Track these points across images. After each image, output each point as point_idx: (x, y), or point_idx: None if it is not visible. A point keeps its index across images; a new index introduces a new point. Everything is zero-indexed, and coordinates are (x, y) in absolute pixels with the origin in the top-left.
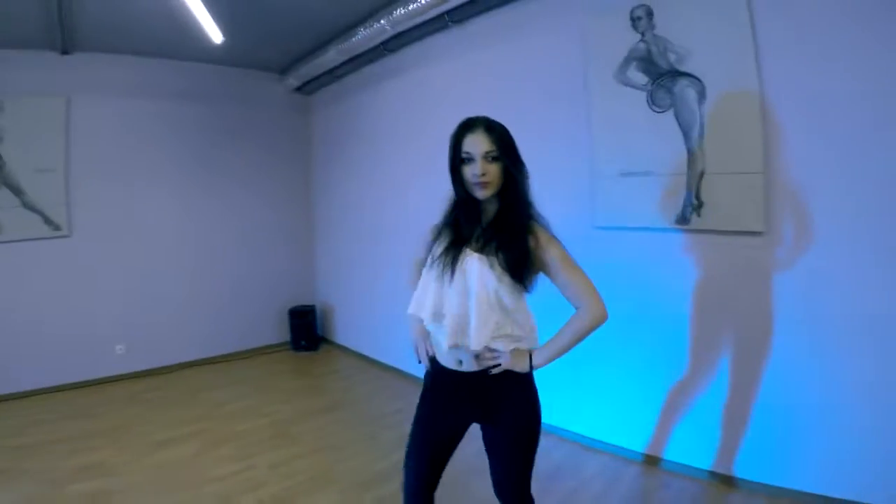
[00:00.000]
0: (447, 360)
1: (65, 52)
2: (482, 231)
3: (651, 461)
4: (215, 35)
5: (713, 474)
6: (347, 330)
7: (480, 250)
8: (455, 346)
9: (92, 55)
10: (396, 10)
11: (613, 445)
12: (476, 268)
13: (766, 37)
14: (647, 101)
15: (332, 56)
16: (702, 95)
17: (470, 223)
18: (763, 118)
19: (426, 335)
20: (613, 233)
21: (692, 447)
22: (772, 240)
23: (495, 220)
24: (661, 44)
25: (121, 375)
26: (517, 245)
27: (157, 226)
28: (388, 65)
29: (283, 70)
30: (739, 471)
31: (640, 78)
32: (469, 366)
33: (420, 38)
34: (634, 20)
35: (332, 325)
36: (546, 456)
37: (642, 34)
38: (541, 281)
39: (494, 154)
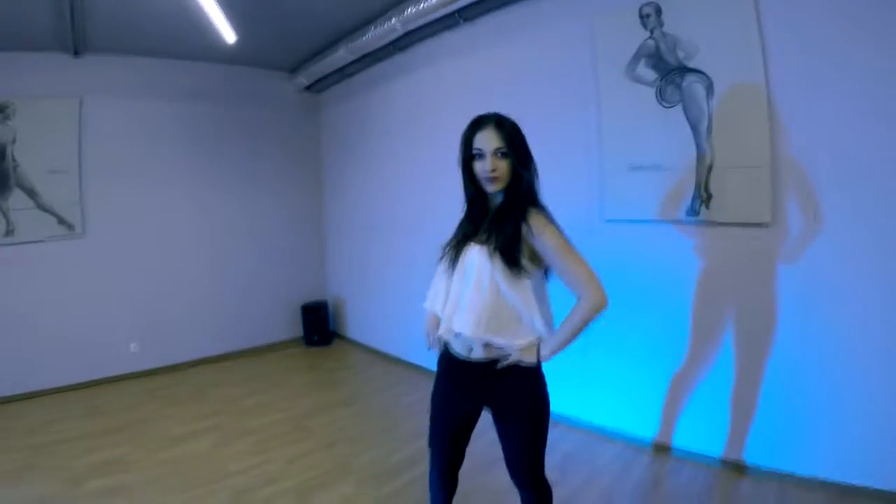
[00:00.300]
0: (459, 348)
1: (76, 53)
2: (488, 223)
3: (662, 449)
4: (228, 35)
5: (723, 461)
6: (359, 325)
7: (483, 241)
8: (457, 334)
9: (103, 56)
10: (408, 8)
11: (625, 434)
12: (474, 255)
13: (773, 33)
14: (657, 96)
15: (343, 55)
16: (710, 91)
17: (478, 217)
18: (769, 113)
19: (438, 323)
20: (623, 225)
21: (702, 435)
22: (778, 231)
23: (500, 212)
24: (669, 41)
25: (135, 373)
26: (508, 227)
27: (169, 224)
28: (397, 63)
29: (293, 69)
30: (749, 457)
31: (650, 74)
32: (478, 354)
33: (430, 35)
34: (643, 18)
35: (345, 320)
36: (558, 445)
37: (651, 31)
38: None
39: (504, 150)
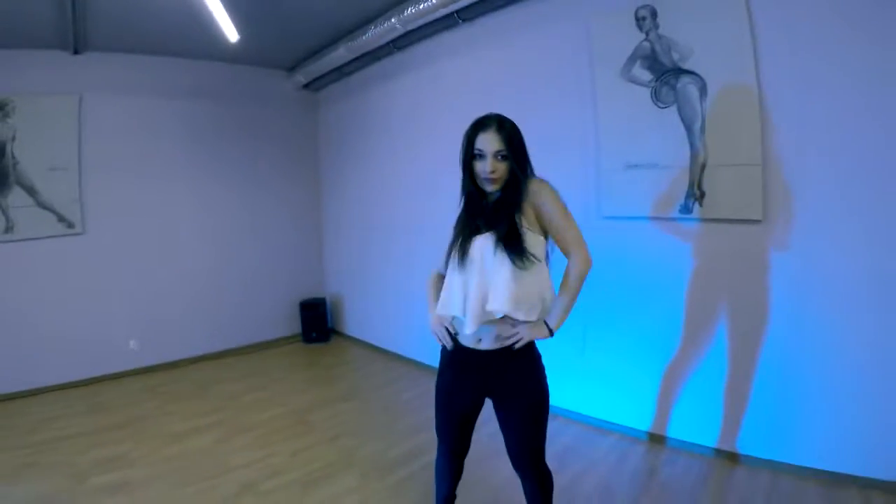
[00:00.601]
0: (467, 340)
1: (76, 51)
2: (486, 218)
3: (657, 440)
4: (231, 34)
5: (717, 451)
6: (357, 321)
7: (487, 230)
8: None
9: (102, 54)
10: (408, 8)
11: (621, 426)
12: (483, 245)
13: (765, 36)
14: (652, 97)
15: (342, 53)
16: (703, 92)
17: (477, 214)
18: (761, 113)
19: (444, 319)
20: (620, 222)
21: (697, 426)
22: (769, 227)
23: (497, 205)
24: (664, 43)
25: (135, 370)
26: (511, 221)
27: (169, 222)
28: (396, 62)
29: (292, 67)
30: (743, 447)
31: (645, 75)
32: (487, 344)
33: (429, 35)
34: (639, 20)
35: (343, 317)
36: (556, 437)
37: (647, 33)
38: None
39: (504, 153)
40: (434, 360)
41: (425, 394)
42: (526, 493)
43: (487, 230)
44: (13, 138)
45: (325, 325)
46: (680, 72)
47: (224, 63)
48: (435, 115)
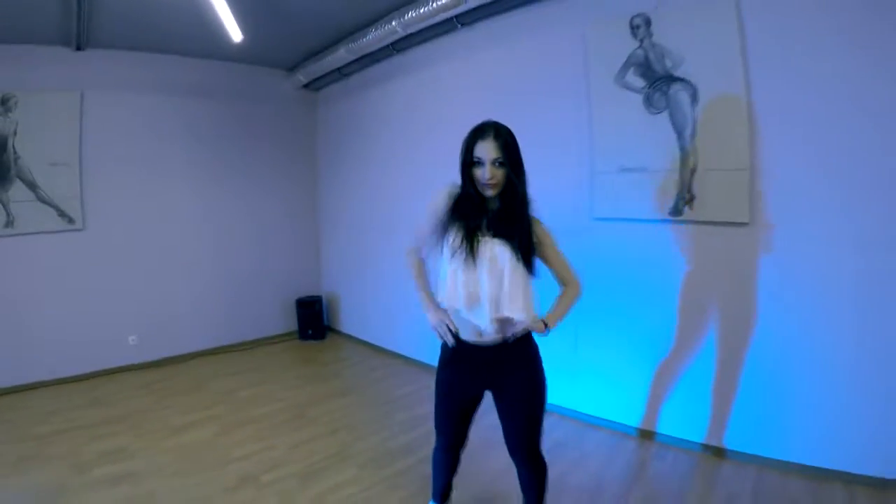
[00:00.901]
0: (468, 335)
1: (79, 47)
2: (489, 221)
3: (647, 436)
4: (235, 34)
5: (705, 447)
6: (353, 319)
7: (497, 237)
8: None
9: (105, 51)
10: (408, 12)
11: (612, 422)
12: (502, 252)
13: (754, 46)
14: (644, 103)
15: (342, 55)
16: (694, 98)
17: (477, 214)
18: (749, 119)
19: (445, 316)
20: (612, 223)
21: (685, 422)
22: (756, 229)
23: (501, 213)
24: (657, 50)
25: (134, 365)
26: (527, 237)
27: (168, 218)
28: (395, 64)
29: (292, 67)
30: (730, 443)
31: (638, 82)
32: (489, 338)
33: (428, 39)
34: (634, 28)
35: (338, 315)
36: (548, 433)
37: (641, 41)
38: None
39: (501, 160)
40: (428, 357)
41: (421, 389)
42: (521, 482)
43: (496, 236)
44: (15, 133)
45: (321, 322)
46: (672, 79)
47: (224, 62)
48: (432, 116)
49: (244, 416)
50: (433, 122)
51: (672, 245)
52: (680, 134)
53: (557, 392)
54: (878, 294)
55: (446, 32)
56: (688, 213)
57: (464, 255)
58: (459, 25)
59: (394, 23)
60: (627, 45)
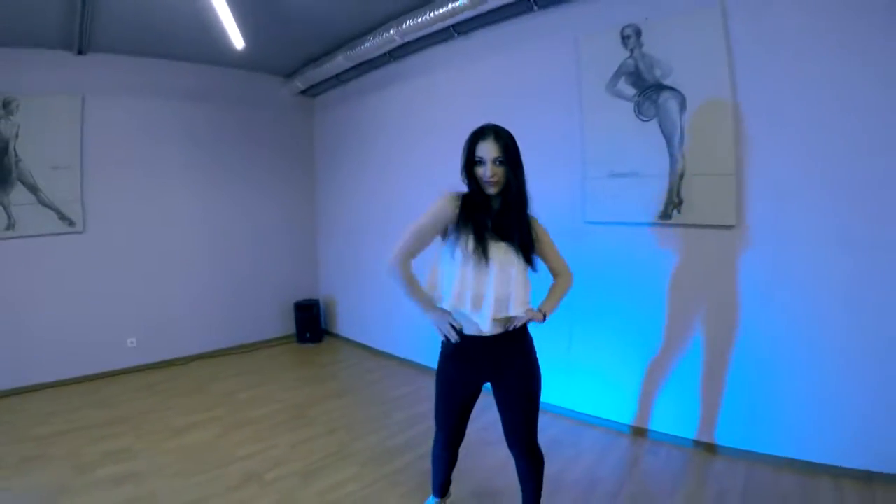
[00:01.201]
0: (472, 329)
1: (80, 52)
2: (493, 222)
3: (639, 433)
4: (238, 41)
5: (696, 443)
6: (350, 322)
7: (503, 240)
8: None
9: (106, 56)
10: (406, 21)
11: (605, 420)
12: (507, 255)
13: (740, 57)
14: (635, 110)
15: (340, 62)
16: (683, 106)
17: (482, 214)
18: (735, 127)
19: (446, 315)
20: (603, 227)
21: (677, 419)
22: (742, 232)
23: (503, 213)
24: (647, 60)
25: (133, 368)
26: (529, 237)
27: (167, 222)
28: (392, 71)
29: (290, 73)
30: (721, 439)
31: (629, 90)
32: (490, 330)
33: (425, 47)
34: (624, 38)
35: (335, 318)
36: (543, 431)
37: (631, 51)
38: None
39: (501, 159)
40: (423, 359)
41: (417, 390)
42: (520, 474)
43: (501, 236)
44: (16, 136)
45: (319, 325)
46: (661, 87)
47: (224, 67)
48: (428, 122)
49: (245, 417)
50: (429, 128)
51: (662, 247)
52: (669, 140)
53: (552, 391)
54: (864, 292)
55: (443, 41)
56: (677, 216)
57: (476, 259)
58: (456, 34)
59: (392, 31)
60: (618, 55)
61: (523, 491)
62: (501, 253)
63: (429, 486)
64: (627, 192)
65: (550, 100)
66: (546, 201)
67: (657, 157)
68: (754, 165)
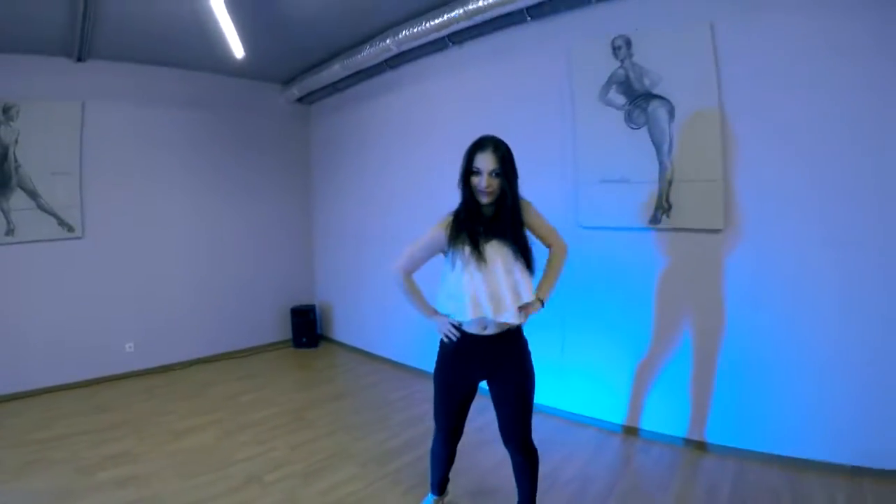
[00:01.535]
0: (473, 328)
1: (80, 59)
2: (486, 227)
3: (631, 432)
4: (238, 50)
5: (687, 441)
6: (346, 327)
7: (498, 242)
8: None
9: (105, 63)
10: (402, 31)
11: (597, 419)
12: (506, 255)
13: (727, 67)
14: (625, 119)
15: (337, 70)
16: (671, 115)
17: (474, 221)
18: (722, 135)
19: (445, 317)
20: (595, 231)
21: (668, 418)
22: (729, 235)
23: (497, 219)
24: (637, 70)
25: (131, 372)
26: (523, 238)
27: (166, 228)
28: (388, 79)
29: (287, 81)
30: (711, 437)
31: (620, 99)
32: (491, 329)
33: (421, 56)
34: (615, 49)
35: (331, 323)
36: (537, 431)
37: (622, 61)
38: None
39: (498, 171)
40: (419, 363)
41: (413, 393)
42: (515, 471)
43: (496, 239)
44: (16, 142)
45: (315, 330)
46: (651, 96)
47: (222, 75)
48: (423, 130)
49: (244, 420)
50: (424, 135)
51: (652, 251)
52: (658, 148)
53: (545, 391)
54: (849, 292)
55: (438, 50)
56: (666, 221)
57: (473, 264)
58: (451, 44)
59: (388, 41)
60: (609, 65)
61: (519, 488)
62: (496, 249)
63: (428, 485)
64: (618, 197)
65: (544, 108)
66: (539, 206)
67: (647, 164)
68: (741, 171)
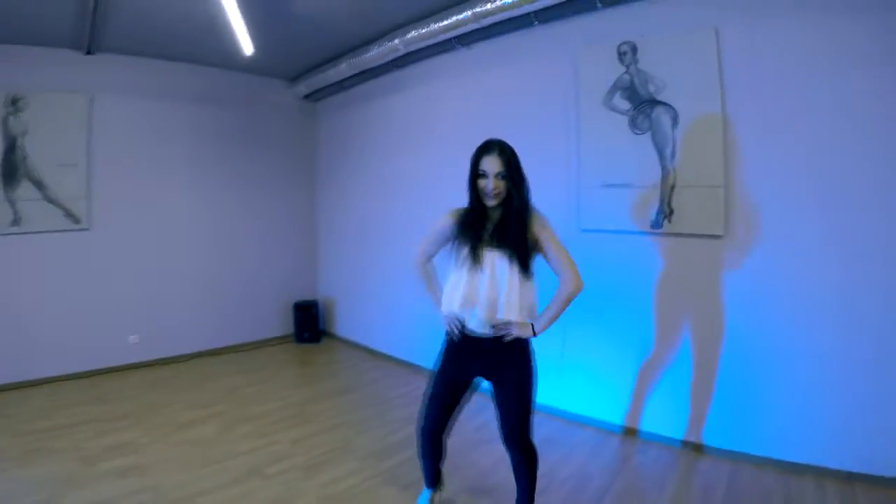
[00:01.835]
0: (475, 327)
1: (89, 51)
2: (492, 231)
3: (631, 433)
4: (247, 47)
5: (685, 443)
6: (348, 323)
7: (498, 247)
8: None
9: (114, 56)
10: (410, 31)
11: (597, 420)
12: (499, 261)
13: (731, 74)
14: (629, 124)
15: (344, 69)
16: (675, 121)
17: (480, 225)
18: (725, 141)
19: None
20: (597, 235)
21: (666, 419)
22: (730, 241)
23: (502, 223)
24: (642, 76)
25: (134, 364)
26: (522, 244)
27: (171, 221)
28: (394, 79)
29: (294, 78)
30: (708, 439)
31: (624, 104)
32: (489, 332)
33: (427, 57)
34: (621, 55)
35: (333, 319)
36: (537, 430)
37: (627, 67)
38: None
39: (503, 174)
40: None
41: (415, 390)
42: (514, 469)
43: (497, 244)
44: (24, 133)
45: (317, 326)
46: (655, 102)
47: (230, 70)
48: (429, 129)
49: (246, 413)
50: (429, 134)
51: (653, 255)
52: (661, 153)
53: (546, 392)
54: (847, 299)
55: (445, 51)
56: (667, 226)
57: (468, 265)
58: (458, 45)
59: (396, 41)
60: (615, 70)
61: (518, 486)
62: (494, 259)
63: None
64: (621, 201)
65: (548, 111)
66: (542, 209)
67: (649, 169)
68: (742, 178)
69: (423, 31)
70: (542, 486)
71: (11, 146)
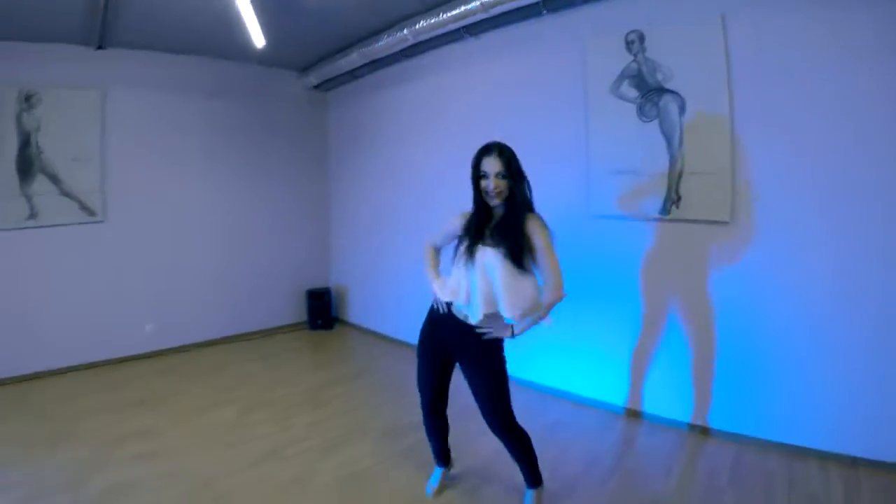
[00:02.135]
0: (458, 312)
1: (100, 47)
2: (493, 229)
3: (638, 416)
4: (258, 39)
5: (691, 426)
6: (360, 309)
7: (494, 244)
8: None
9: (125, 51)
10: (419, 21)
11: (606, 403)
12: (493, 257)
13: (738, 62)
14: (637, 112)
15: (354, 58)
16: (682, 109)
17: (483, 224)
18: (732, 128)
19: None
20: (606, 221)
21: (673, 402)
22: (736, 227)
23: (504, 220)
24: (650, 64)
25: (150, 353)
26: (516, 241)
27: (185, 213)
28: (404, 68)
29: (304, 68)
30: (714, 422)
31: (632, 92)
32: (472, 322)
33: (437, 46)
34: (629, 43)
35: (346, 306)
36: (545, 414)
37: (635, 55)
38: None
39: (504, 173)
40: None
41: None
42: (508, 451)
43: (494, 243)
44: (38, 129)
45: (330, 313)
46: (663, 91)
47: (240, 62)
48: (439, 119)
49: (262, 399)
50: (439, 124)
51: (660, 240)
52: (668, 141)
53: (555, 375)
54: (851, 283)
55: (454, 41)
56: (675, 212)
57: (464, 260)
58: (467, 35)
59: (405, 31)
60: (623, 59)
61: (518, 466)
62: (487, 258)
63: None
64: (629, 188)
65: (557, 100)
66: (553, 196)
67: (657, 157)
68: (748, 165)
69: (432, 20)
70: (551, 466)
71: (26, 142)
